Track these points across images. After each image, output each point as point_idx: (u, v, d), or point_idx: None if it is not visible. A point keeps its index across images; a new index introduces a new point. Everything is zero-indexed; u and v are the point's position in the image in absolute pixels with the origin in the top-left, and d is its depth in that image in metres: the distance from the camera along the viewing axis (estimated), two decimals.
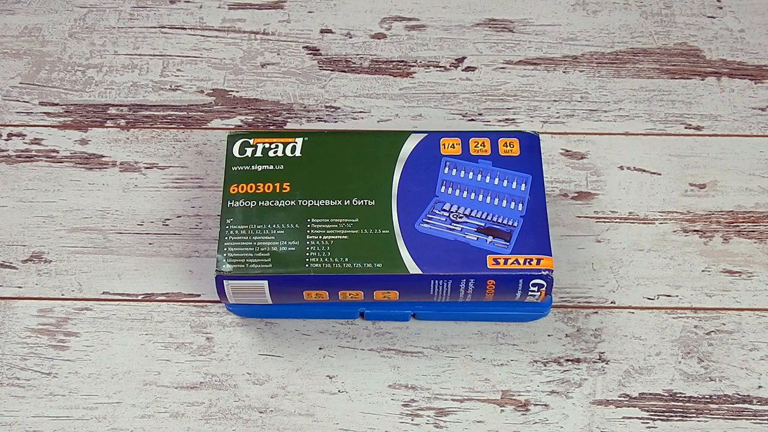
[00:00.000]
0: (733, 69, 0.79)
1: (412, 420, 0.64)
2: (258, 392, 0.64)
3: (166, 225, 0.71)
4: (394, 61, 0.79)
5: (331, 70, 0.79)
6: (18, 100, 0.77)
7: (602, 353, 0.66)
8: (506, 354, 0.66)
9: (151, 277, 0.69)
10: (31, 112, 0.76)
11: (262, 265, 0.60)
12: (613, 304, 0.68)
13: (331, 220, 0.62)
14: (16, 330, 0.67)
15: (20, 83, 0.78)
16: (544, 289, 0.61)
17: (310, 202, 0.63)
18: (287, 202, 0.63)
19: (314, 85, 0.78)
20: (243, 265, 0.60)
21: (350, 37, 0.81)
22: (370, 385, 0.65)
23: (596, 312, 0.68)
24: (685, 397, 0.64)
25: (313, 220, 0.62)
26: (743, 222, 0.71)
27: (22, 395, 0.64)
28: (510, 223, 0.62)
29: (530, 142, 0.65)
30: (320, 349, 0.66)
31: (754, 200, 0.72)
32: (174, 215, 0.71)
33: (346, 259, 0.60)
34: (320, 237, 0.61)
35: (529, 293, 0.61)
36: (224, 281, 0.61)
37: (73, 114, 0.76)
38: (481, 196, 0.63)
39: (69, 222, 0.71)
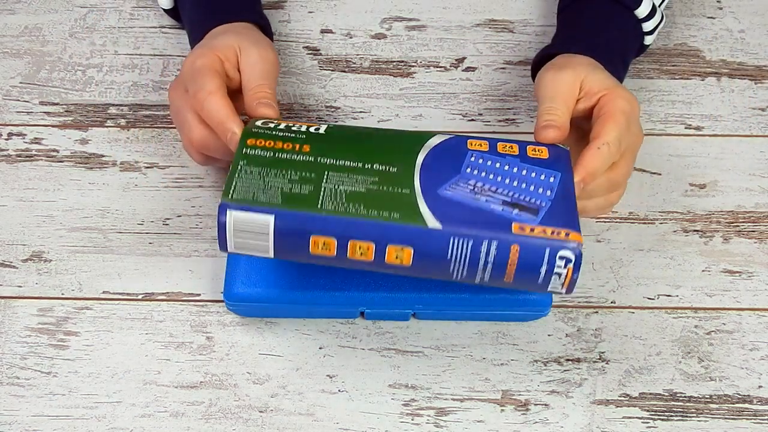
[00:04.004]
0: (733, 69, 0.79)
1: (412, 420, 0.64)
2: (258, 392, 0.64)
3: (166, 224, 0.71)
4: (394, 61, 0.79)
5: (332, 70, 0.79)
6: (18, 100, 0.77)
7: (602, 353, 0.66)
8: (506, 354, 0.66)
9: (151, 277, 0.69)
10: (32, 112, 0.76)
11: (272, 199, 0.55)
12: (613, 304, 0.68)
13: (350, 175, 0.57)
14: (16, 329, 0.67)
15: (20, 83, 0.78)
16: (571, 265, 0.54)
17: (330, 161, 0.58)
18: (306, 157, 0.58)
19: (314, 85, 0.78)
20: (251, 196, 0.56)
21: (350, 38, 0.81)
22: (370, 385, 0.65)
23: (596, 312, 0.68)
24: (685, 396, 0.64)
25: (330, 173, 0.57)
26: (743, 222, 0.71)
27: (22, 394, 0.64)
28: (538, 203, 0.57)
29: (559, 153, 0.61)
30: (320, 348, 0.66)
31: (754, 200, 0.72)
32: (174, 215, 0.71)
33: (362, 206, 0.55)
34: (336, 186, 0.57)
35: (555, 270, 0.55)
36: (227, 210, 0.55)
37: (73, 114, 0.76)
38: (508, 180, 0.58)
39: (69, 221, 0.71)
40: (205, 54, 0.64)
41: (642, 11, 0.71)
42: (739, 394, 0.65)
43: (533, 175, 0.59)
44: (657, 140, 0.75)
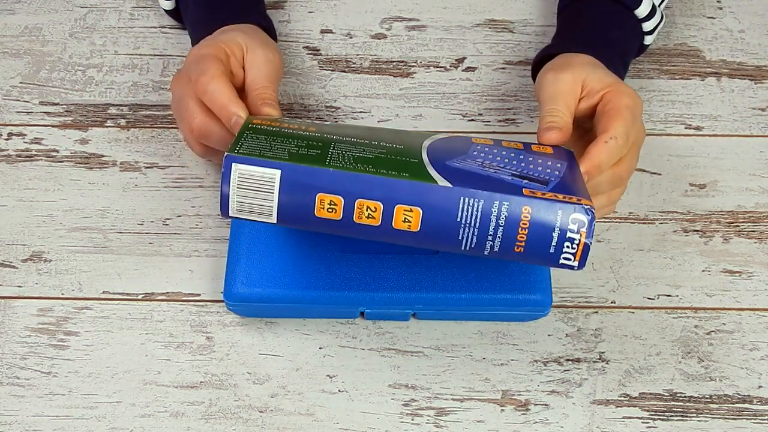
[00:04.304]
0: (733, 69, 0.79)
1: (412, 420, 0.64)
2: (258, 392, 0.64)
3: (166, 225, 0.71)
4: (394, 62, 0.79)
5: (332, 70, 0.79)
6: (18, 100, 0.77)
7: (602, 353, 0.66)
8: (506, 354, 0.66)
9: (151, 277, 0.69)
10: (32, 112, 0.76)
11: (279, 155, 0.54)
12: (613, 304, 0.68)
13: (357, 146, 0.56)
14: (16, 329, 0.67)
15: (20, 83, 0.78)
16: (584, 229, 0.52)
17: (337, 137, 0.58)
18: (313, 134, 0.58)
19: (314, 85, 0.78)
20: (258, 152, 0.54)
21: (350, 38, 0.81)
22: (371, 385, 0.65)
23: (596, 312, 0.68)
24: (685, 396, 0.64)
25: (338, 144, 0.56)
26: (743, 222, 0.71)
27: (22, 394, 0.64)
28: (546, 178, 0.56)
29: (564, 151, 0.61)
30: (320, 348, 0.66)
31: (754, 200, 0.72)
32: (174, 215, 0.71)
33: (370, 166, 0.54)
34: (344, 152, 0.55)
35: (568, 235, 0.53)
36: (233, 164, 0.53)
37: (73, 114, 0.76)
38: (515, 162, 0.58)
39: (69, 221, 0.71)
40: (210, 45, 0.65)
41: (642, 11, 0.71)
42: (739, 394, 0.65)
43: (540, 160, 0.58)
44: (657, 140, 0.75)
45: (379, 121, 0.76)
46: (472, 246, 0.54)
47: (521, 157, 0.58)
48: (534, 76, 0.72)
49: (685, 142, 0.75)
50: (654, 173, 0.73)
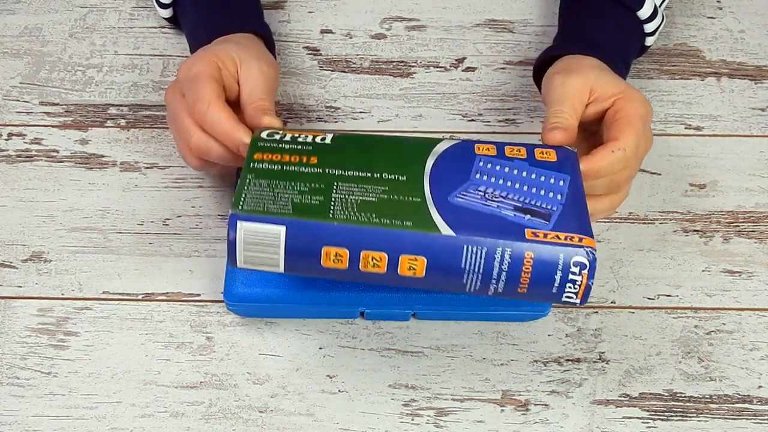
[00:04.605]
0: (733, 69, 0.79)
1: (412, 420, 0.64)
2: (258, 392, 0.64)
3: (166, 225, 0.71)
4: (394, 62, 0.79)
5: (332, 71, 0.79)
6: (18, 100, 0.77)
7: (602, 353, 0.66)
8: (506, 354, 0.66)
9: (151, 277, 0.69)
10: (32, 112, 0.76)
11: (283, 210, 0.54)
12: (613, 304, 0.68)
13: (359, 185, 0.57)
14: (16, 329, 0.67)
15: (20, 83, 0.78)
16: (586, 271, 0.54)
17: (338, 171, 0.58)
18: (314, 169, 0.58)
19: (314, 85, 0.78)
20: (261, 207, 0.54)
21: (350, 38, 0.81)
22: (370, 385, 0.65)
23: (596, 312, 0.68)
24: (685, 397, 0.64)
25: (339, 183, 0.57)
26: (743, 222, 0.71)
27: (22, 395, 0.64)
28: (549, 207, 0.56)
29: (567, 155, 0.61)
30: (320, 348, 0.66)
31: (754, 200, 0.72)
32: (174, 215, 0.71)
33: (374, 215, 0.54)
34: (347, 196, 0.56)
35: (570, 277, 0.54)
36: (238, 223, 0.54)
37: (73, 114, 0.76)
38: (518, 184, 0.58)
39: (69, 222, 0.71)
40: (201, 58, 0.64)
41: (644, 12, 0.71)
42: (739, 394, 0.65)
43: (542, 178, 0.58)
44: (657, 140, 0.75)
45: (378, 122, 0.76)
46: (477, 288, 0.55)
47: (524, 174, 0.58)
48: (536, 78, 0.72)
49: (685, 142, 0.75)
50: (654, 173, 0.74)
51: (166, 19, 0.78)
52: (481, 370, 0.65)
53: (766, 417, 0.64)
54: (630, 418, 0.64)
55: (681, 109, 0.77)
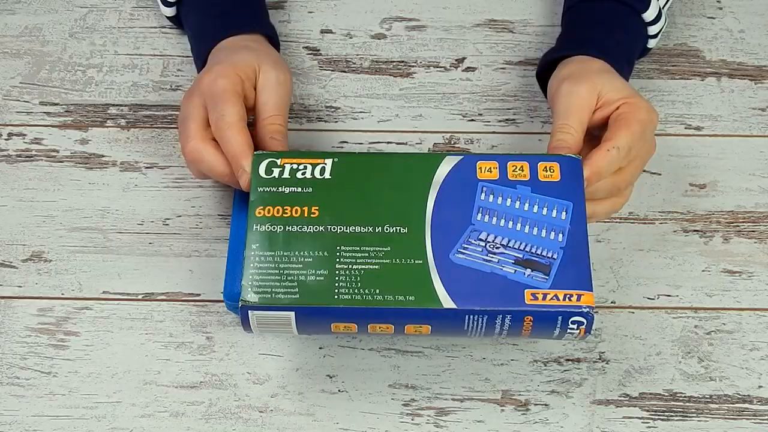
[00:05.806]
0: (733, 69, 0.79)
1: (412, 420, 0.64)
2: (258, 392, 0.64)
3: (167, 225, 0.71)
4: (394, 62, 0.79)
5: (332, 71, 0.79)
6: (18, 100, 0.77)
7: (602, 353, 0.66)
8: (506, 354, 0.66)
9: (151, 277, 0.69)
10: (32, 112, 0.76)
11: (290, 295, 0.57)
12: (613, 304, 0.68)
13: (362, 249, 0.59)
14: (15, 329, 0.67)
15: (20, 83, 0.78)
16: (583, 327, 0.58)
17: (340, 229, 0.60)
18: (316, 228, 0.60)
19: (314, 85, 0.78)
20: (269, 295, 0.58)
21: (350, 38, 0.81)
22: (370, 385, 0.65)
23: (596, 312, 0.68)
24: (685, 396, 0.64)
25: (342, 248, 0.59)
26: (743, 222, 0.71)
27: (22, 394, 0.64)
28: (549, 255, 0.59)
29: (572, 166, 0.61)
30: (320, 348, 0.66)
31: (754, 200, 0.72)
32: (174, 215, 0.71)
33: (377, 291, 0.57)
34: (350, 266, 0.58)
35: (568, 331, 0.58)
36: (249, 312, 0.57)
37: (73, 114, 0.76)
38: (519, 225, 0.60)
39: (69, 221, 0.71)
40: (226, 74, 0.64)
41: (650, 14, 0.71)
42: (739, 394, 0.65)
43: (545, 211, 0.60)
44: (657, 140, 0.74)
45: (379, 122, 0.76)
46: (480, 338, 0.61)
47: (526, 208, 0.60)
48: (539, 79, 0.72)
49: (685, 142, 0.75)
50: (654, 173, 0.73)
51: (168, 18, 0.77)
52: (481, 370, 0.65)
53: (766, 417, 0.64)
54: (630, 418, 0.64)
55: (681, 109, 0.77)
